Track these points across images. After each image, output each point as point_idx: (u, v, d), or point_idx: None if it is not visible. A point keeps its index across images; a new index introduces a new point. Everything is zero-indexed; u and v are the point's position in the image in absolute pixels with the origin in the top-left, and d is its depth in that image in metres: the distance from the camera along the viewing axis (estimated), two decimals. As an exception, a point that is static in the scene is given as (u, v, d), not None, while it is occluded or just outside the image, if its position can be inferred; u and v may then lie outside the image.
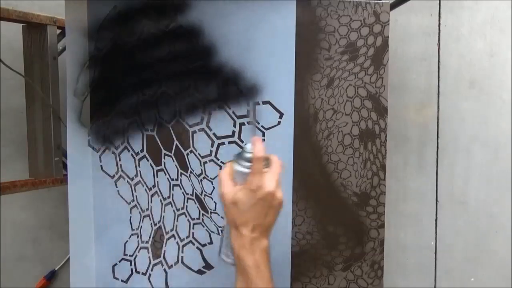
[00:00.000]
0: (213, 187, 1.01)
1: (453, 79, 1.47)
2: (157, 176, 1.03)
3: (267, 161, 0.70)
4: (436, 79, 1.47)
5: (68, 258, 1.31)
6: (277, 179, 0.69)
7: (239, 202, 0.67)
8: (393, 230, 1.47)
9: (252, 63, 0.99)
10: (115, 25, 0.99)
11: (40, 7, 1.31)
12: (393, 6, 1.16)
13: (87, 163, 1.02)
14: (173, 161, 1.02)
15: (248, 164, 0.69)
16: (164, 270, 1.04)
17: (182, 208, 1.03)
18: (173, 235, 1.03)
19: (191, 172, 1.01)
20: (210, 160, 1.01)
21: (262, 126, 1.01)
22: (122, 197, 1.04)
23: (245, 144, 0.72)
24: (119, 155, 1.03)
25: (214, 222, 1.02)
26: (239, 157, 0.70)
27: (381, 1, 1.04)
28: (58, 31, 1.20)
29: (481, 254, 1.49)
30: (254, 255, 0.67)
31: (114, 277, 1.05)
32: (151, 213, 1.03)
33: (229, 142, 1.01)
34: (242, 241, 0.67)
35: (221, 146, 1.01)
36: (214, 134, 1.01)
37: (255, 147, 0.69)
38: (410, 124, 1.47)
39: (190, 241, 1.03)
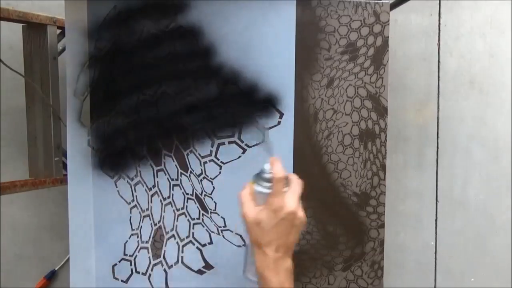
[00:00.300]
0: (213, 187, 1.01)
1: (453, 79, 1.47)
2: (157, 176, 1.03)
3: (286, 181, 0.71)
4: (436, 79, 1.47)
5: (68, 258, 1.31)
6: (297, 198, 0.69)
7: (262, 222, 0.68)
8: (393, 230, 1.47)
9: (252, 63, 0.99)
10: (115, 25, 0.99)
11: (40, 7, 1.31)
12: (393, 6, 1.16)
13: (87, 163, 1.02)
14: (173, 161, 1.02)
15: (268, 184, 0.70)
16: (164, 270, 1.04)
17: (182, 208, 1.03)
18: (173, 235, 1.03)
19: (191, 172, 1.01)
20: (210, 160, 1.01)
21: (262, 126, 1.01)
22: (122, 197, 1.04)
23: (264, 164, 0.73)
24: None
25: (214, 222, 1.02)
26: (259, 177, 0.71)
27: (381, 1, 1.04)
28: (58, 31, 1.20)
29: (481, 254, 1.49)
30: (279, 276, 0.67)
31: (114, 277, 1.05)
32: (151, 213, 1.03)
33: (229, 142, 1.01)
34: (266, 261, 0.67)
35: (221, 146, 1.01)
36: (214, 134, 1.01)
37: (274, 167, 0.70)
38: (410, 124, 1.47)
39: (190, 241, 1.03)
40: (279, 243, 0.68)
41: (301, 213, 0.69)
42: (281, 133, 1.01)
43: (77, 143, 1.02)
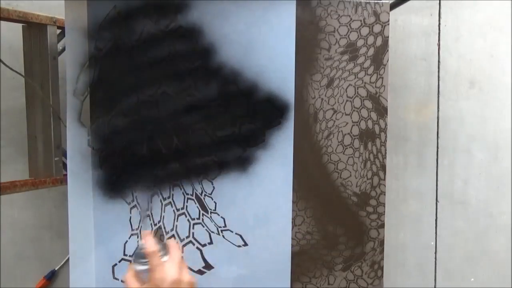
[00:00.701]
0: (213, 187, 1.01)
1: (453, 79, 1.47)
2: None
3: (164, 250, 0.70)
4: (436, 79, 1.47)
5: (68, 258, 1.31)
6: (178, 263, 0.69)
7: None
8: (393, 230, 1.47)
9: (252, 63, 0.99)
10: (115, 25, 0.99)
11: (40, 7, 1.31)
12: (393, 6, 1.16)
13: (87, 163, 1.02)
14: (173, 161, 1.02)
15: (146, 260, 0.70)
16: (164, 270, 1.04)
17: (182, 208, 1.03)
18: (173, 235, 1.03)
19: (191, 172, 1.01)
20: (210, 161, 1.01)
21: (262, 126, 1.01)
22: (122, 197, 1.04)
23: (138, 241, 0.72)
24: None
25: (214, 222, 1.02)
26: (136, 256, 0.71)
27: (381, 1, 1.04)
28: (58, 31, 1.19)
29: (481, 254, 1.49)
30: None
31: (114, 277, 1.04)
32: (151, 213, 1.03)
33: (229, 142, 1.01)
34: None
35: (221, 146, 1.01)
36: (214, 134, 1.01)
37: (146, 242, 0.70)
38: (410, 124, 1.47)
39: (190, 241, 1.03)
40: None
41: (185, 277, 0.69)
42: (281, 133, 1.01)
43: (77, 143, 1.02)
